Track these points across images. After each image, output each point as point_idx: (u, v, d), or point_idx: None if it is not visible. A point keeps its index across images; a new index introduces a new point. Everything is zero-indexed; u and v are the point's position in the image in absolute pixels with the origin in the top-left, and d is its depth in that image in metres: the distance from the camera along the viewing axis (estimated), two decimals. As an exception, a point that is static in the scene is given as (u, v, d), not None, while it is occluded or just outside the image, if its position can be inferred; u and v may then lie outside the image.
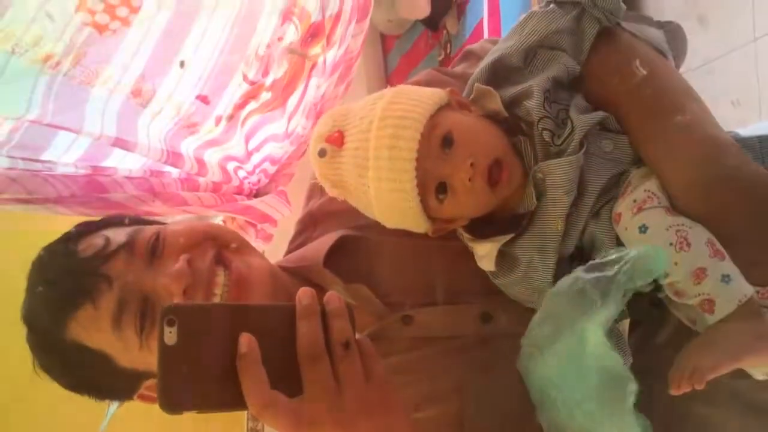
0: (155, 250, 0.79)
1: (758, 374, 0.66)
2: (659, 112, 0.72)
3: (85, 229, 0.84)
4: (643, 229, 0.68)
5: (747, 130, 0.78)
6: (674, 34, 0.79)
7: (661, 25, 0.79)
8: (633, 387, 0.59)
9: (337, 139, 0.74)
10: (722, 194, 0.68)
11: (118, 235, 0.80)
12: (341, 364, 0.58)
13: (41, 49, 1.08)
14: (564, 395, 0.63)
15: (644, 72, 0.73)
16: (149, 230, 0.82)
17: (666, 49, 0.79)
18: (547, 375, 0.65)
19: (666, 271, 0.64)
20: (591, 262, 0.65)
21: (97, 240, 0.80)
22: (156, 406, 0.85)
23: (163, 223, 0.91)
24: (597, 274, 0.62)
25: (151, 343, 0.76)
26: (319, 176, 0.78)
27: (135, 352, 0.77)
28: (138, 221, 0.89)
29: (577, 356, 0.62)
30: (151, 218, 0.94)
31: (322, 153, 0.75)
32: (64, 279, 0.78)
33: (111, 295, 0.76)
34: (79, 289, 0.76)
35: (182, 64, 1.26)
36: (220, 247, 0.82)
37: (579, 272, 0.64)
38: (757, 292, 0.65)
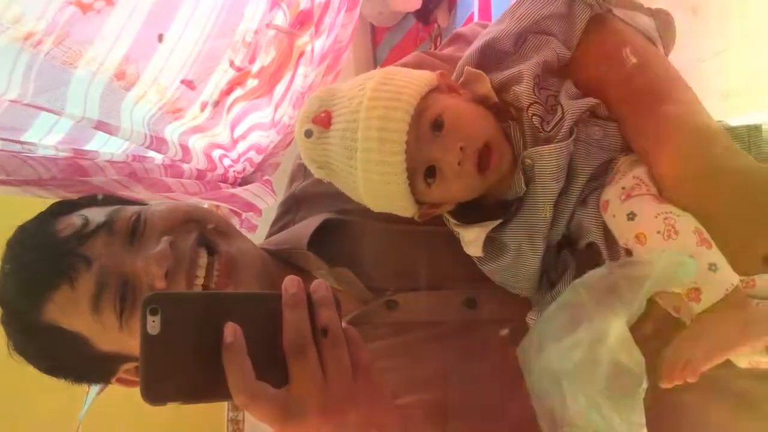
0: (136, 231, 0.78)
1: (742, 363, 0.66)
2: (649, 102, 0.71)
3: (63, 209, 0.82)
4: (630, 216, 0.67)
5: (736, 120, 0.77)
6: (664, 22, 0.79)
7: (651, 12, 0.79)
8: (645, 384, 0.60)
9: (324, 120, 0.73)
10: (710, 185, 0.67)
11: (97, 215, 0.79)
12: (328, 354, 0.57)
13: (22, 27, 1.05)
14: (575, 386, 0.63)
15: (634, 60, 0.72)
16: (130, 210, 0.80)
17: (656, 37, 0.78)
18: (558, 364, 0.65)
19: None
20: (624, 259, 0.66)
21: (75, 220, 0.78)
22: (134, 395, 0.83)
23: (144, 203, 0.89)
24: (631, 271, 0.63)
25: (131, 326, 0.75)
26: (305, 157, 0.77)
27: (114, 335, 0.75)
28: (117, 201, 0.88)
29: (592, 348, 0.62)
30: (131, 198, 0.92)
31: (308, 134, 0.74)
32: (42, 259, 0.76)
33: (90, 276, 0.74)
34: (57, 269, 0.74)
35: (160, 38, 1.23)
36: (203, 228, 0.81)
37: (613, 267, 0.65)
38: (742, 281, 0.64)
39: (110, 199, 0.87)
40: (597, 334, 0.62)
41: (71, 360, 0.80)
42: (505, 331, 0.78)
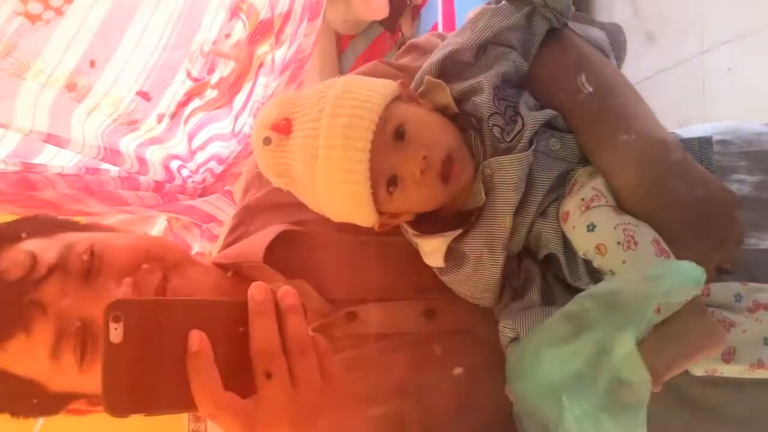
0: (91, 270, 0.73)
1: (697, 371, 0.67)
2: (605, 129, 0.72)
3: (3, 241, 0.75)
4: (590, 227, 0.68)
5: (686, 131, 0.79)
6: (615, 35, 0.80)
7: (603, 26, 0.80)
8: (646, 401, 0.60)
9: (284, 128, 0.71)
10: (666, 194, 0.68)
11: (46, 252, 0.73)
12: (296, 363, 0.56)
13: (-34, 39, 1.03)
14: (573, 396, 0.62)
15: (590, 89, 0.73)
16: (81, 244, 0.74)
17: (608, 49, 0.80)
18: (555, 372, 0.64)
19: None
20: (632, 276, 0.65)
21: (20, 257, 0.72)
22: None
23: (92, 227, 0.85)
24: (638, 288, 0.62)
25: (93, 368, 0.70)
26: (263, 165, 0.75)
27: (71, 378, 0.71)
28: (60, 224, 0.82)
29: (595, 360, 0.61)
30: (75, 219, 0.86)
31: (267, 141, 0.72)
32: None
33: (47, 324, 0.69)
34: (10, 318, 0.69)
35: (92, 63, 1.21)
36: (165, 269, 0.77)
37: (621, 283, 0.64)
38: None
39: (50, 223, 0.81)
40: (601, 346, 0.61)
41: (17, 402, 0.75)
42: (459, 370, 0.77)
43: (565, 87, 0.74)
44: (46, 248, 0.73)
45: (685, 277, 0.61)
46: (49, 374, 0.72)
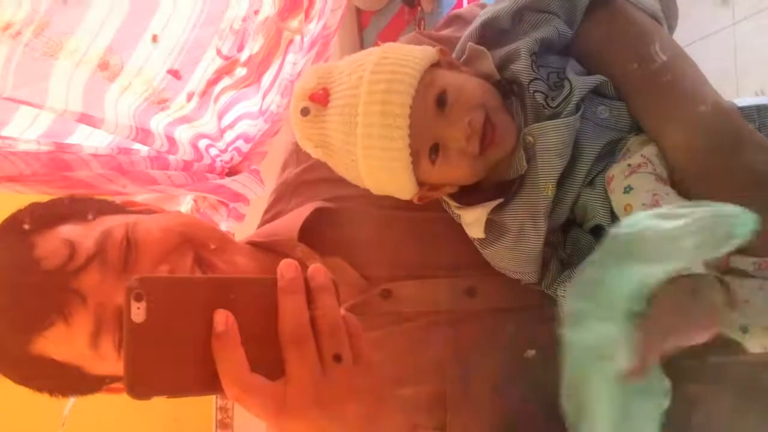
0: (128, 258, 0.71)
1: (755, 347, 0.64)
2: (676, 100, 0.69)
3: (38, 225, 0.74)
4: (627, 189, 0.66)
5: (743, 101, 0.75)
6: (669, 3, 0.77)
7: None
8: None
9: (322, 97, 0.70)
10: (743, 166, 0.65)
11: (84, 240, 0.71)
12: (327, 344, 0.54)
13: (0, 18, 1.01)
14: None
15: (664, 58, 0.69)
16: (118, 231, 0.73)
17: (662, 18, 0.76)
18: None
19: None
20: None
21: (58, 245, 0.71)
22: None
23: (127, 207, 0.84)
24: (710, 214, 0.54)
25: None
26: (301, 137, 0.74)
27: (110, 363, 0.71)
28: (96, 206, 0.80)
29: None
30: (110, 199, 0.84)
31: (305, 111, 0.71)
32: (29, 296, 0.69)
33: (86, 313, 0.68)
34: (50, 307, 0.68)
35: (155, 38, 1.19)
36: (198, 248, 0.76)
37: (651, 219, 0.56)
38: (755, 263, 0.62)
39: (86, 205, 0.79)
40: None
41: (57, 383, 0.75)
42: (531, 353, 0.75)
43: (637, 55, 0.70)
44: (83, 235, 0.72)
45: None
46: (88, 360, 0.71)
